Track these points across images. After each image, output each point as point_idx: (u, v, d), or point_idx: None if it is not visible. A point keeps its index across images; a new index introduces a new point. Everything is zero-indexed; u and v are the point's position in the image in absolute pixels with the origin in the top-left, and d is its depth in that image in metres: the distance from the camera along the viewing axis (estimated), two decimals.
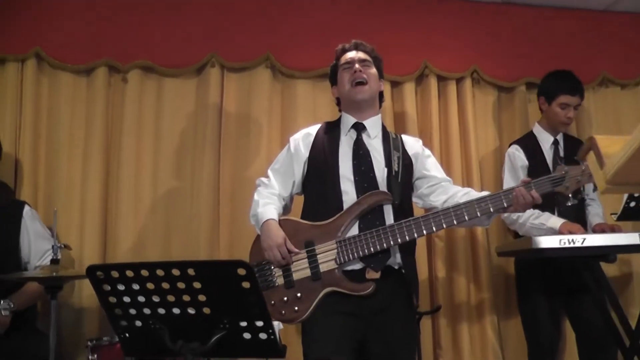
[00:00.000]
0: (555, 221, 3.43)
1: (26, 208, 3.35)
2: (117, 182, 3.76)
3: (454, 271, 4.05)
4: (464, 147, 4.21)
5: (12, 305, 3.03)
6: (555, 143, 3.83)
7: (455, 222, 2.80)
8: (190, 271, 2.07)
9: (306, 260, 2.83)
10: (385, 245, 2.77)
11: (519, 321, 3.85)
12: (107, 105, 3.81)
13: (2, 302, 2.94)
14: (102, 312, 3.54)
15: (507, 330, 4.09)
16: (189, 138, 3.86)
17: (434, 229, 2.81)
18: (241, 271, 2.03)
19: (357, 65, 3.02)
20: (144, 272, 2.11)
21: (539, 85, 3.95)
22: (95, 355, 2.88)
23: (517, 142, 3.90)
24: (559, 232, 3.33)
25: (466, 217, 2.79)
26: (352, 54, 3.08)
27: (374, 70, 3.05)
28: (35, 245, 3.29)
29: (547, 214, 3.49)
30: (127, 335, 2.29)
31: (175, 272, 2.08)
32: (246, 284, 2.06)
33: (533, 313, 3.62)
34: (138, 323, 2.23)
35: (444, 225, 2.81)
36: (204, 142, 3.82)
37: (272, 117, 3.92)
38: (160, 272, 2.09)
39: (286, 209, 3.06)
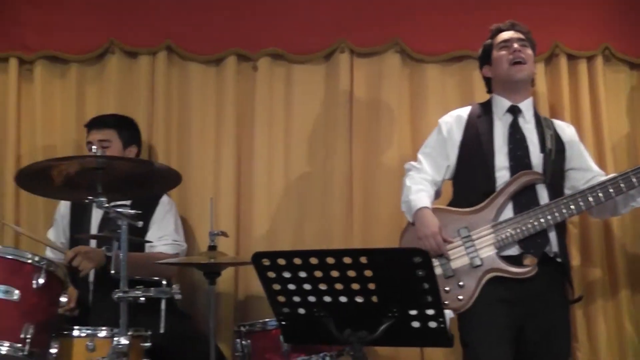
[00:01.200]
0: None
1: (164, 197, 3.47)
2: (249, 170, 3.82)
3: (588, 260, 3.93)
4: (596, 130, 4.06)
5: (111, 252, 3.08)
6: None
7: (613, 193, 2.79)
8: (363, 259, 2.08)
9: (463, 247, 2.83)
10: (544, 223, 2.76)
11: None
12: (237, 93, 3.86)
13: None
14: (237, 298, 3.68)
15: None
16: (320, 124, 3.88)
17: (593, 203, 2.81)
18: (417, 259, 2.03)
19: (515, 45, 3.00)
20: (313, 260, 2.14)
21: None
22: (249, 341, 2.91)
23: None
24: None
25: (624, 188, 2.78)
26: (509, 34, 3.07)
27: (530, 51, 3.03)
28: (159, 227, 3.38)
29: None
30: (288, 322, 2.33)
31: (347, 260, 2.09)
32: (421, 272, 2.05)
33: None
34: (301, 310, 2.27)
35: (602, 199, 2.79)
36: (335, 128, 3.82)
37: (402, 103, 3.87)
38: (330, 260, 2.12)
39: (437, 195, 3.06)
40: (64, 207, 3.58)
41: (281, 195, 3.83)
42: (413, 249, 2.11)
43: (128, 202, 2.65)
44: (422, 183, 2.99)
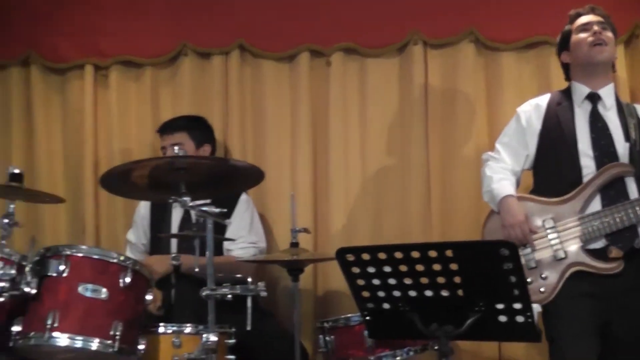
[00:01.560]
0: None
1: (243, 196, 3.54)
2: (326, 166, 3.87)
3: None
4: None
5: (178, 260, 3.16)
6: None
7: None
8: (449, 252, 2.09)
9: (547, 238, 2.81)
10: (633, 218, 2.71)
11: None
12: (311, 89, 3.91)
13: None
14: (317, 294, 3.75)
15: None
16: (395, 118, 3.87)
17: None
18: (504, 252, 2.03)
19: (596, 27, 2.97)
20: (398, 254, 2.16)
21: None
22: (332, 337, 2.93)
23: None
24: None
25: None
26: (588, 17, 3.04)
27: (611, 34, 3.00)
28: (236, 227, 3.43)
29: None
30: (373, 317, 2.36)
31: (432, 253, 2.11)
32: (508, 265, 2.05)
33: None
34: (386, 306, 2.29)
35: None
36: (410, 121, 3.82)
37: (478, 93, 3.83)
38: (415, 254, 2.13)
39: (517, 185, 3.04)
40: (143, 209, 3.69)
41: (358, 190, 3.86)
42: (500, 241, 2.12)
43: (208, 201, 2.72)
44: (503, 172, 3.00)
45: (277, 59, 3.97)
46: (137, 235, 3.69)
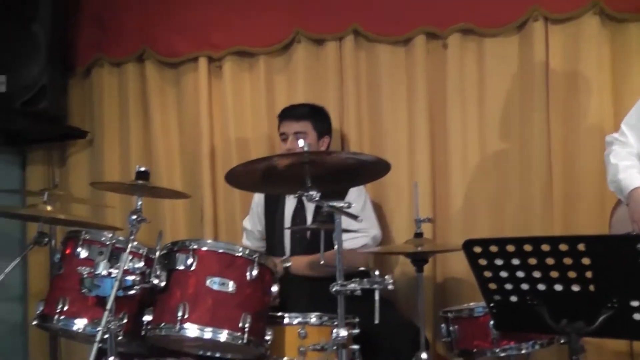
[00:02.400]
0: None
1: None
2: (444, 151, 3.89)
3: None
4: None
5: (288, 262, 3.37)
6: None
7: None
8: (581, 246, 2.09)
9: None
10: None
11: None
12: (427, 72, 3.92)
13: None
14: (436, 282, 3.82)
15: None
16: (514, 99, 3.83)
17: None
18: None
19: None
20: (527, 247, 2.18)
21: None
22: (456, 327, 3.01)
23: None
24: None
25: None
26: None
27: None
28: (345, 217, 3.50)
29: None
30: (499, 309, 2.39)
31: (563, 247, 2.11)
32: None
33: None
34: (513, 298, 2.31)
35: None
36: (531, 102, 3.75)
37: (602, 69, 3.70)
38: (545, 247, 2.14)
39: None
40: (258, 196, 3.83)
41: (477, 177, 3.85)
42: (637, 236, 2.10)
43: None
44: (629, 158, 2.89)
45: (392, 42, 3.99)
46: (253, 222, 3.85)
